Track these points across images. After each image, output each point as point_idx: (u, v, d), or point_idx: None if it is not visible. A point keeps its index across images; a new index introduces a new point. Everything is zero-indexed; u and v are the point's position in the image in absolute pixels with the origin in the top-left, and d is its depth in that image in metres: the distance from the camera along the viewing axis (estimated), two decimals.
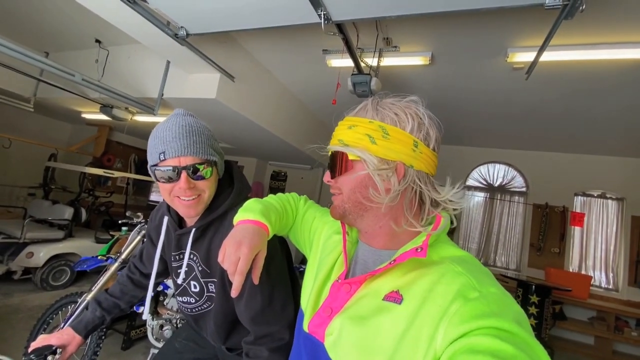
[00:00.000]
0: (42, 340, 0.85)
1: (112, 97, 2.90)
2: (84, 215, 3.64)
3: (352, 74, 2.52)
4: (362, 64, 2.56)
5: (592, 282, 4.10)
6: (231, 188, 0.90)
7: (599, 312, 3.90)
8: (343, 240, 0.64)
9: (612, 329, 3.71)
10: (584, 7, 1.25)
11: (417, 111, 0.56)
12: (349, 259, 0.63)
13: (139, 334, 2.43)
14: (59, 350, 0.87)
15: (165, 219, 0.92)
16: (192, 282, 0.91)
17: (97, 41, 3.40)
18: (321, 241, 0.73)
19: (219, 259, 0.58)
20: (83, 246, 3.52)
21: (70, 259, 3.44)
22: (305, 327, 0.60)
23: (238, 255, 0.56)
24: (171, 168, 0.76)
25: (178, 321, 1.89)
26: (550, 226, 4.42)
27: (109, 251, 2.55)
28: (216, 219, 0.86)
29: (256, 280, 0.60)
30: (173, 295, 1.94)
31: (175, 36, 2.14)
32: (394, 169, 0.54)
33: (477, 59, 2.55)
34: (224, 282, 0.85)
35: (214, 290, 0.88)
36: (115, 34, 3.20)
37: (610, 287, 4.19)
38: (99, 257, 1.92)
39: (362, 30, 2.38)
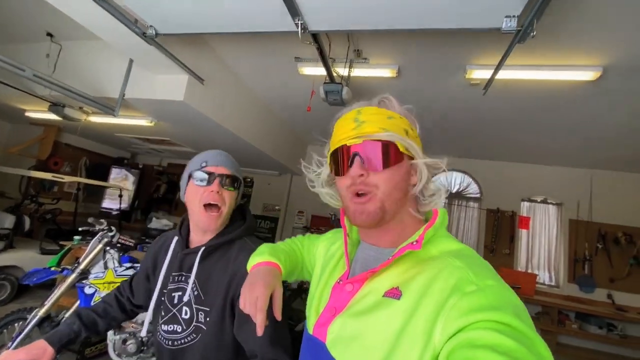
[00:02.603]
0: (8, 356, 0.77)
1: (67, 96, 2.68)
2: (27, 223, 3.30)
3: (325, 83, 2.58)
4: (334, 74, 2.63)
5: (537, 280, 4.51)
6: (242, 222, 1.01)
7: (544, 307, 4.29)
8: (344, 242, 0.63)
9: (556, 322, 4.09)
10: (534, 33, 1.41)
11: (406, 106, 0.61)
12: (350, 260, 0.63)
13: (94, 351, 2.24)
14: None
15: (175, 239, 1.00)
16: (184, 308, 0.91)
17: (49, 35, 3.14)
18: (322, 253, 0.74)
19: (241, 306, 0.58)
20: (26, 258, 3.18)
21: (12, 272, 3.08)
22: (310, 331, 0.60)
23: (255, 295, 0.56)
24: (208, 173, 0.92)
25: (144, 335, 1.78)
26: (501, 229, 4.81)
27: (59, 262, 2.34)
28: (224, 243, 0.94)
29: (278, 317, 0.59)
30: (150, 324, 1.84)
31: (144, 35, 2.05)
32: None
33: (439, 74, 2.74)
34: (224, 314, 0.87)
35: (202, 321, 0.89)
36: (70, 28, 2.98)
37: (553, 283, 4.64)
38: (52, 269, 1.76)
39: (335, 41, 2.46)
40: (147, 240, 2.43)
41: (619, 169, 4.52)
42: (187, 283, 0.92)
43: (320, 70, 2.65)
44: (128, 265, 1.74)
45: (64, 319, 1.74)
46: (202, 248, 0.92)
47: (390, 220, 0.56)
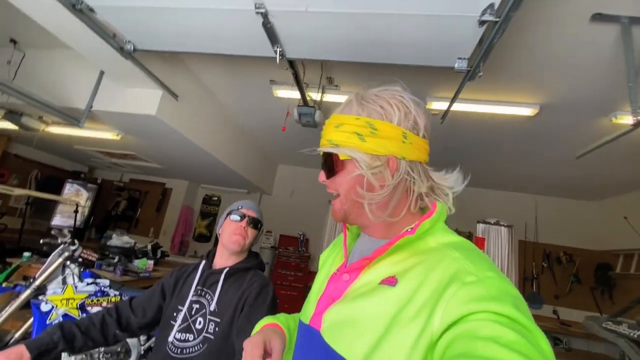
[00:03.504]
0: None
1: (28, 104, 2.57)
2: None
3: (299, 105, 2.72)
4: (308, 97, 2.78)
5: None
6: (256, 258, 1.30)
7: None
8: (344, 235, 0.66)
9: None
10: (481, 73, 1.65)
11: (402, 99, 0.56)
12: (349, 252, 0.64)
13: None
14: None
15: (203, 262, 1.24)
16: (199, 319, 1.09)
17: (13, 41, 3.02)
18: (324, 260, 0.76)
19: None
20: None
21: None
22: (307, 321, 0.61)
23: (249, 343, 0.58)
24: (242, 214, 1.24)
25: (101, 355, 1.68)
26: None
27: (6, 279, 2.16)
28: (242, 269, 1.20)
29: None
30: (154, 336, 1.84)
31: (121, 49, 2.07)
32: (385, 164, 0.54)
33: None
34: (231, 326, 1.06)
35: (212, 332, 1.07)
36: (36, 36, 2.91)
37: None
38: (3, 285, 1.63)
39: (309, 68, 2.62)
40: (110, 255, 2.31)
41: (559, 195, 5.06)
42: (207, 298, 1.14)
43: (294, 94, 2.79)
44: (90, 280, 1.66)
45: (13, 339, 1.63)
46: (227, 269, 1.17)
47: (358, 217, 0.59)
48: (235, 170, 4.30)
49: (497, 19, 1.35)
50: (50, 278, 1.62)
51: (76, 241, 1.67)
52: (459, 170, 0.60)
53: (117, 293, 1.72)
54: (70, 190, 5.71)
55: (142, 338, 1.78)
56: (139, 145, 3.92)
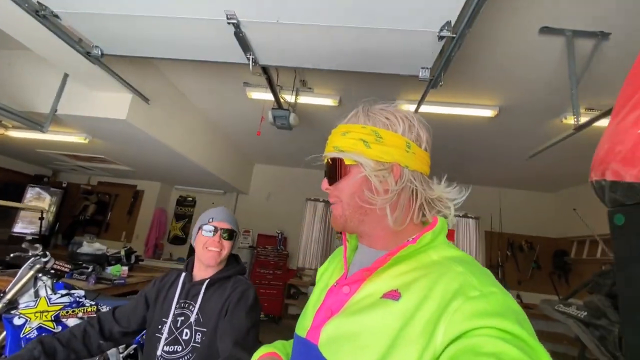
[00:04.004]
0: None
1: None
2: None
3: (273, 108, 2.76)
4: (282, 100, 2.83)
5: None
6: (237, 264, 1.32)
7: None
8: (344, 248, 0.66)
9: None
10: (442, 83, 1.78)
11: (407, 114, 0.59)
12: (348, 264, 0.64)
13: None
14: None
15: (183, 275, 1.25)
16: (185, 330, 1.13)
17: None
18: (322, 273, 0.75)
19: None
20: None
21: None
22: (304, 334, 0.59)
23: None
24: (214, 227, 1.21)
25: None
26: None
27: None
28: (223, 278, 1.22)
29: None
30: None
31: (88, 54, 2.03)
32: (390, 169, 0.55)
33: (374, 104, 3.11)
34: (216, 331, 1.10)
35: (199, 341, 1.11)
36: None
37: None
38: None
39: (282, 71, 2.66)
40: (83, 265, 2.26)
41: (520, 188, 5.43)
42: (190, 309, 1.16)
43: (269, 96, 2.83)
44: (64, 292, 1.64)
45: None
46: (207, 280, 1.19)
47: (360, 224, 0.59)
48: (210, 171, 4.27)
49: (454, 35, 1.46)
50: (21, 291, 1.59)
51: (47, 253, 1.64)
52: (456, 185, 0.61)
53: (93, 303, 1.71)
54: (32, 195, 5.43)
55: (121, 347, 1.79)
56: (108, 149, 3.80)
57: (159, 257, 5.51)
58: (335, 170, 0.60)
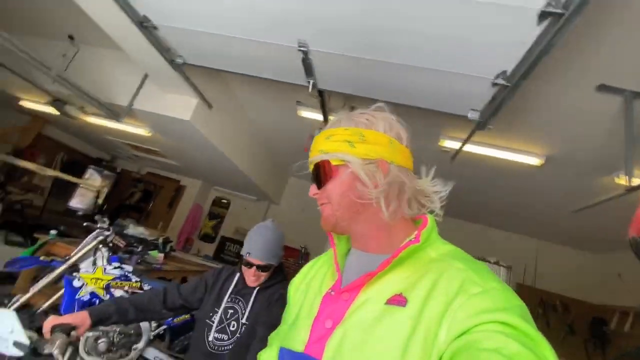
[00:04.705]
0: (55, 320, 0.91)
1: (78, 96, 2.83)
2: None
3: (319, 129, 2.92)
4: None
5: None
6: (281, 274, 1.47)
7: None
8: (334, 252, 0.64)
9: None
10: (491, 127, 1.84)
11: (386, 115, 0.62)
12: (340, 270, 0.62)
13: None
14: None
15: (237, 275, 1.44)
16: (232, 322, 1.31)
17: (70, 37, 3.33)
18: (296, 289, 0.73)
19: None
20: None
21: None
22: (301, 349, 0.56)
23: None
24: (248, 263, 1.35)
25: (116, 335, 1.84)
26: None
27: (33, 253, 2.35)
28: (269, 286, 1.40)
29: None
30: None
31: (172, 62, 2.32)
32: (377, 165, 0.56)
33: (417, 137, 3.16)
34: (255, 328, 1.27)
35: (242, 334, 1.29)
36: (91, 35, 3.20)
37: None
38: (41, 258, 1.82)
39: (333, 95, 2.84)
40: (134, 244, 2.49)
41: (561, 243, 5.12)
42: (239, 305, 1.35)
43: (317, 116, 3.00)
44: (117, 264, 1.85)
45: (18, 304, 1.75)
46: (257, 288, 1.38)
47: (352, 223, 0.60)
48: (250, 177, 4.51)
49: (509, 84, 1.54)
50: (83, 258, 1.81)
51: (111, 228, 1.87)
52: (441, 178, 0.63)
53: (138, 279, 1.90)
54: (91, 175, 5.99)
55: (153, 325, 1.94)
56: (164, 144, 4.17)
57: (188, 251, 5.78)
58: (322, 174, 0.60)
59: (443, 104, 1.98)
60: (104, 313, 1.10)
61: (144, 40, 2.15)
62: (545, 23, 1.20)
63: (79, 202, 5.76)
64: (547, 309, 4.96)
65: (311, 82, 2.04)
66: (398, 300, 0.50)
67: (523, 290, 5.00)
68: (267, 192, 5.29)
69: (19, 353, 0.77)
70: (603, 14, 1.48)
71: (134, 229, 3.35)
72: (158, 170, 6.38)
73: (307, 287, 0.68)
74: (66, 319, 0.93)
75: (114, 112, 2.97)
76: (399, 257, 0.53)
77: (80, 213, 5.52)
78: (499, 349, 0.37)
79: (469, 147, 2.76)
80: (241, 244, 6.02)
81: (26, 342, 0.77)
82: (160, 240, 3.60)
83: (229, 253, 5.97)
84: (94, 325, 1.05)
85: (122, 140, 4.79)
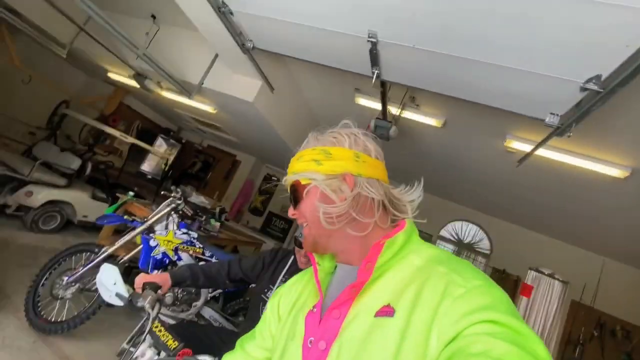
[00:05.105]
0: (145, 278, 1.07)
1: (157, 72, 3.11)
2: (88, 169, 3.74)
3: (377, 118, 2.89)
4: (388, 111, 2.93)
5: None
6: None
7: None
8: (314, 271, 0.63)
9: None
10: (570, 134, 1.67)
11: (352, 130, 0.63)
12: (325, 288, 0.63)
13: None
14: None
15: (292, 257, 1.54)
16: None
17: (153, 16, 3.62)
18: (277, 305, 0.73)
19: None
20: (79, 198, 3.61)
21: (64, 208, 3.51)
22: None
23: None
24: (301, 243, 1.28)
25: (179, 292, 2.10)
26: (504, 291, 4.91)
27: (116, 210, 2.71)
28: None
29: None
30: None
31: (242, 45, 2.43)
32: (341, 179, 0.58)
33: (480, 134, 2.99)
34: None
35: None
36: (171, 15, 3.44)
37: None
38: (125, 217, 2.11)
39: (394, 85, 2.76)
40: (199, 213, 2.77)
41: (631, 264, 4.57)
42: None
43: (375, 104, 2.96)
44: (184, 230, 2.07)
45: (106, 254, 2.01)
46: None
47: (329, 240, 0.61)
48: None
49: (601, 90, 1.38)
50: (157, 221, 2.05)
51: (183, 197, 2.08)
52: (419, 184, 0.62)
53: (201, 246, 2.11)
54: (160, 144, 6.60)
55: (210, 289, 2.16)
56: (227, 121, 4.43)
57: (238, 222, 6.21)
58: (295, 195, 0.63)
59: (517, 105, 1.84)
60: (181, 277, 1.28)
61: (220, 23, 2.27)
62: None
63: (148, 166, 6.43)
64: (605, 333, 4.53)
65: (376, 72, 2.01)
66: (386, 311, 0.50)
67: (579, 309, 4.61)
68: None
69: (119, 303, 0.94)
70: None
71: (196, 198, 3.66)
72: (218, 144, 6.82)
73: (292, 306, 0.68)
74: (153, 277, 1.09)
75: (185, 89, 3.21)
76: (380, 266, 0.54)
77: (149, 177, 6.18)
78: (487, 352, 0.37)
79: (539, 151, 2.54)
80: (287, 220, 6.29)
81: (126, 294, 0.94)
82: (217, 210, 3.90)
83: (274, 228, 6.28)
84: (173, 286, 1.22)
85: (189, 114, 5.18)
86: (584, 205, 3.47)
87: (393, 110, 3.03)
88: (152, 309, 0.92)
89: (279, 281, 1.46)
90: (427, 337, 0.44)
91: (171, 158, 5.98)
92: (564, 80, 1.47)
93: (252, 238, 4.69)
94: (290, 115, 3.80)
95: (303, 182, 0.61)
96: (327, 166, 0.59)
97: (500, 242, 5.17)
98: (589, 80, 1.40)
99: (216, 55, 3.26)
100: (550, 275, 4.95)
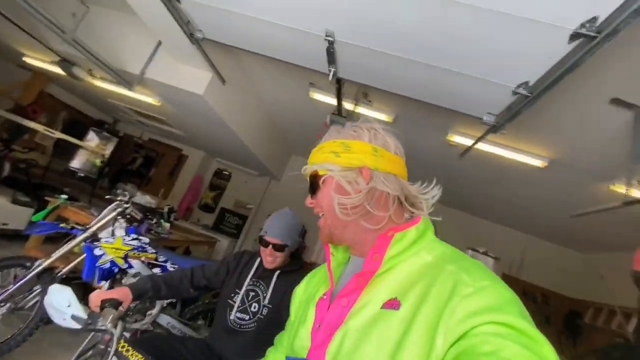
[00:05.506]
0: (102, 295, 0.98)
1: (88, 58, 2.78)
2: (6, 170, 3.24)
3: (332, 113, 2.94)
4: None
5: None
6: (299, 262, 1.56)
7: None
8: (327, 260, 0.67)
9: None
10: (505, 131, 1.89)
11: (372, 125, 0.65)
12: (337, 277, 0.65)
13: None
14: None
15: (258, 259, 1.52)
16: (254, 304, 1.40)
17: None
18: (302, 293, 0.77)
19: None
20: None
21: None
22: (304, 355, 0.59)
23: None
24: (265, 242, 1.43)
25: None
26: None
27: (44, 217, 2.41)
28: (291, 270, 1.48)
29: None
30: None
31: (191, 35, 2.28)
32: (358, 172, 0.59)
33: (426, 129, 3.22)
34: (279, 312, 1.36)
35: (263, 315, 1.38)
36: None
37: None
38: (61, 225, 1.88)
39: (348, 82, 2.83)
40: (149, 215, 2.56)
41: (550, 240, 5.34)
42: (260, 288, 1.43)
43: (330, 100, 3.01)
44: (134, 236, 1.92)
45: (40, 268, 1.82)
46: (278, 271, 1.46)
47: (344, 231, 0.62)
48: (254, 152, 4.53)
49: (529, 94, 1.58)
50: (102, 227, 1.88)
51: (130, 200, 1.92)
52: (436, 185, 0.66)
53: (154, 251, 1.98)
54: (92, 137, 5.94)
55: None
56: (172, 114, 4.14)
57: (187, 220, 5.89)
58: (313, 185, 0.65)
59: (459, 105, 2.01)
60: (142, 289, 1.19)
61: (163, 9, 2.10)
62: (576, 43, 1.23)
63: (78, 163, 5.76)
64: (528, 300, 5.25)
65: (332, 70, 2.04)
66: (392, 304, 0.51)
67: (508, 281, 5.13)
68: (270, 168, 5.33)
69: (76, 326, 0.85)
70: (628, 32, 1.50)
71: (141, 197, 3.40)
72: (161, 138, 6.35)
73: (308, 298, 0.70)
74: (111, 293, 1.01)
75: (125, 79, 2.92)
76: (390, 258, 0.56)
77: (81, 174, 5.55)
78: (496, 352, 0.37)
79: (478, 145, 2.81)
80: (240, 216, 6.13)
81: (84, 316, 0.85)
82: (166, 209, 3.67)
83: (228, 224, 6.09)
84: (134, 300, 1.14)
85: (127, 106, 4.73)
86: (510, 190, 3.95)
87: (347, 105, 3.11)
88: (115, 327, 0.86)
89: (245, 285, 1.44)
90: (432, 335, 0.44)
91: (107, 153, 5.43)
92: (499, 85, 1.65)
93: (205, 237, 4.51)
94: (243, 109, 3.68)
95: (321, 173, 0.63)
96: (344, 158, 0.60)
97: (442, 226, 5.59)
98: (519, 86, 1.59)
99: (159, 43, 3.02)
100: (485, 253, 5.55)
